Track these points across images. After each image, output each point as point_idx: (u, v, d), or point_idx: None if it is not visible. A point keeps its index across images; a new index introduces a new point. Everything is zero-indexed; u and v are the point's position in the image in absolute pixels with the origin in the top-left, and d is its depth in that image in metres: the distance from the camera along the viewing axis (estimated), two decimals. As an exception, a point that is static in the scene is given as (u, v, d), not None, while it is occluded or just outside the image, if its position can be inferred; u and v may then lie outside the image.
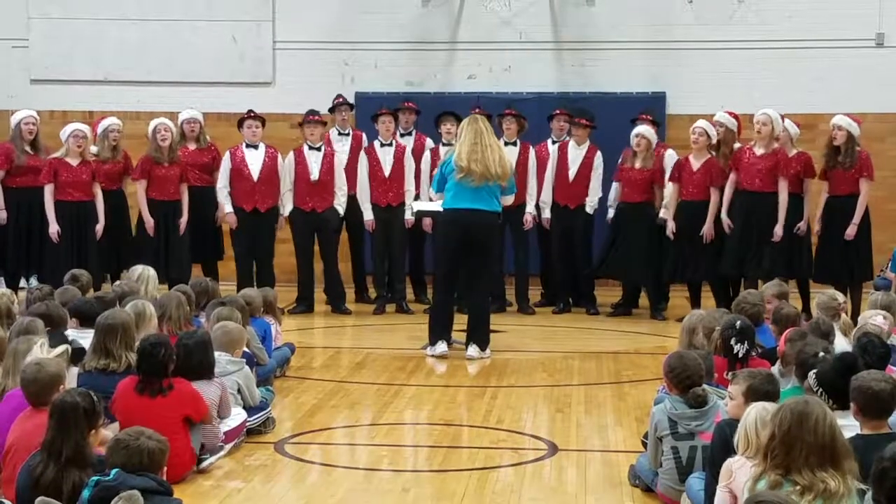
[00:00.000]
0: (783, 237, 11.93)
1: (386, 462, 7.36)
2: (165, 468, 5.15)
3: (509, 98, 14.60)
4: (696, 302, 12.35)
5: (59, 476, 5.26)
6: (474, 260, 10.51)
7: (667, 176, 12.70)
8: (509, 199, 10.89)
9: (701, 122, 12.56)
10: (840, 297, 8.82)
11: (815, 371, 5.85)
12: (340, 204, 13.05)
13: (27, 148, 12.68)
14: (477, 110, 13.21)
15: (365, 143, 13.48)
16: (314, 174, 12.91)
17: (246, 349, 8.30)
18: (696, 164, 12.43)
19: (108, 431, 6.17)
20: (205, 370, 7.17)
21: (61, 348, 6.72)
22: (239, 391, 7.68)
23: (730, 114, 12.67)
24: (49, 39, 15.53)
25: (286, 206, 12.99)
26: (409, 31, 15.31)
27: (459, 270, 10.62)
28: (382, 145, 13.13)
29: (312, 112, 13.13)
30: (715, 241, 12.25)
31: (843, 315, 8.31)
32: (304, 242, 13.11)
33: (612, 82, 15.05)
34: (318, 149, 13.00)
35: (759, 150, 12.06)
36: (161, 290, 9.83)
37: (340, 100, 13.72)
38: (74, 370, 7.05)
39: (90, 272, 10.38)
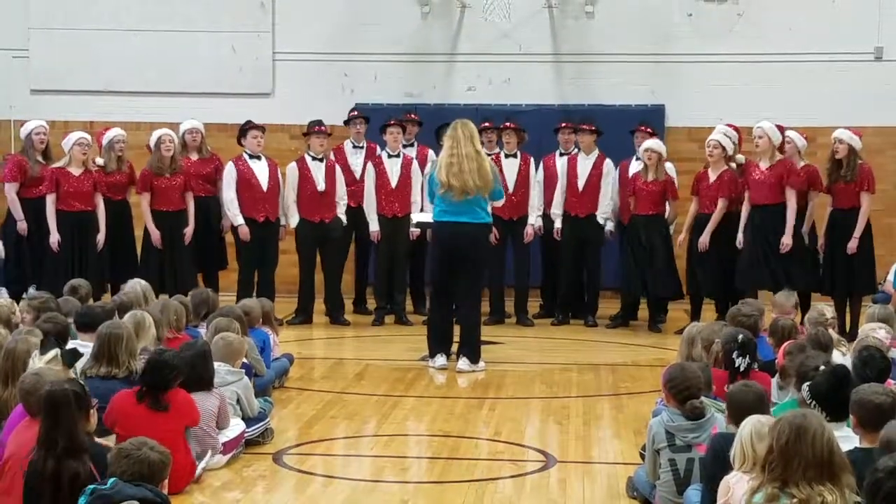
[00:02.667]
0: (790, 248, 11.92)
1: (385, 473, 7.36)
2: (167, 481, 5.15)
3: (508, 110, 14.62)
4: (696, 314, 12.35)
5: (58, 468, 5.28)
6: (463, 272, 10.51)
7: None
8: (499, 204, 10.84)
9: (715, 135, 12.46)
10: (829, 311, 8.82)
11: (808, 384, 5.86)
12: (342, 213, 13.06)
13: (39, 158, 12.68)
14: (486, 123, 13.30)
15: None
16: (321, 185, 12.91)
17: (245, 360, 8.31)
18: (712, 176, 12.43)
19: (104, 440, 6.18)
20: (204, 381, 7.18)
21: (52, 353, 6.70)
22: (238, 402, 7.69)
23: (730, 126, 12.70)
24: (49, 49, 15.55)
25: (292, 218, 12.99)
26: (408, 42, 15.33)
27: (452, 283, 10.61)
28: (390, 156, 13.15)
29: (317, 122, 13.14)
30: (727, 256, 12.21)
31: (831, 330, 8.31)
32: (309, 253, 13.09)
33: (612, 94, 15.07)
34: (321, 159, 13.01)
35: (763, 164, 12.07)
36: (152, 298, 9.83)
37: (356, 112, 13.71)
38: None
39: (90, 282, 10.38)
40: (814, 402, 5.70)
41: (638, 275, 12.65)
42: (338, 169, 13.09)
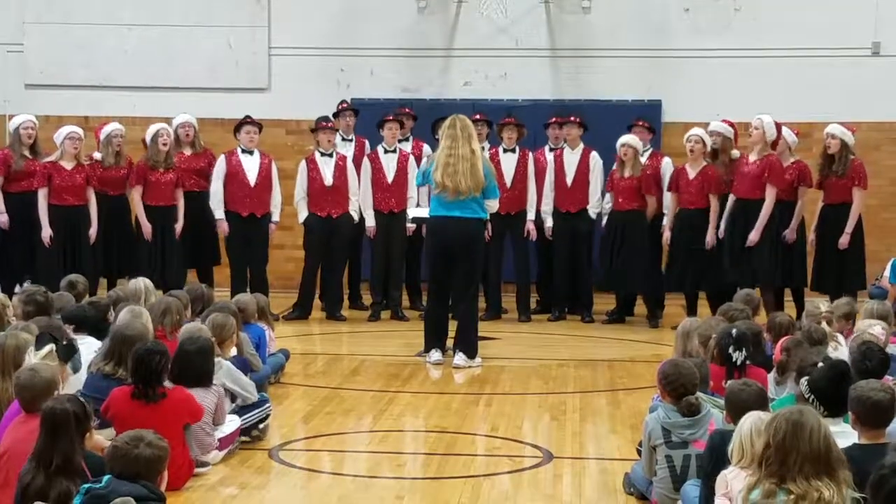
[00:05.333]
0: (777, 244, 11.92)
1: (381, 469, 7.35)
2: (165, 474, 5.12)
3: (505, 105, 14.59)
4: (692, 310, 12.34)
5: (47, 485, 5.22)
6: (458, 267, 10.50)
7: (664, 184, 12.76)
8: (493, 204, 10.78)
9: (696, 130, 12.59)
10: (824, 306, 8.81)
11: (806, 378, 5.85)
12: (355, 210, 13.05)
13: (25, 152, 12.65)
14: (477, 116, 13.30)
15: (367, 149, 13.47)
16: (328, 180, 12.90)
17: (241, 355, 8.29)
18: (692, 172, 12.45)
19: (102, 437, 6.16)
20: (204, 377, 7.15)
21: (47, 348, 6.66)
22: (230, 394, 7.64)
23: (726, 122, 12.70)
24: (45, 44, 15.52)
25: (301, 213, 12.97)
26: (405, 37, 15.32)
27: (448, 278, 10.60)
28: (386, 152, 13.13)
29: (325, 118, 13.14)
30: (714, 251, 12.24)
31: (825, 324, 8.30)
32: (317, 249, 13.05)
33: (608, 90, 15.07)
34: (331, 155, 12.99)
35: (752, 157, 12.09)
36: (156, 296, 9.80)
37: (345, 105, 13.73)
38: (77, 371, 7.04)
39: (84, 277, 10.35)
40: (812, 397, 5.69)
41: (611, 271, 12.69)
42: (349, 165, 13.06)
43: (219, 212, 12.77)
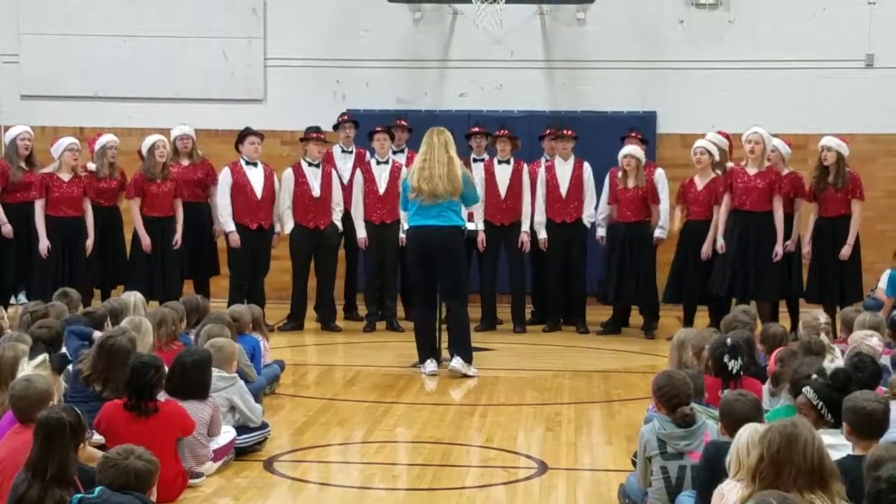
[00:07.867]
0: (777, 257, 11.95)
1: (376, 480, 7.35)
2: (155, 488, 5.12)
3: (500, 116, 14.60)
4: (688, 322, 12.33)
5: (43, 495, 5.22)
6: (442, 275, 10.51)
7: (661, 194, 12.75)
8: (476, 209, 10.79)
9: (701, 142, 12.54)
10: (823, 317, 8.83)
11: (812, 387, 5.84)
12: (338, 220, 13.07)
13: (22, 164, 12.64)
14: (476, 128, 13.31)
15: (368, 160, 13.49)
16: (316, 191, 12.91)
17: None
18: (700, 183, 12.45)
19: (95, 449, 6.16)
20: (200, 390, 7.13)
21: (40, 358, 6.66)
22: (232, 409, 7.63)
23: (721, 133, 12.71)
24: (40, 55, 15.52)
25: (287, 224, 12.97)
26: (400, 48, 15.33)
27: (431, 286, 10.61)
28: (378, 163, 13.14)
29: (314, 129, 13.13)
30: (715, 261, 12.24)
31: (823, 335, 8.32)
32: (303, 260, 13.06)
33: (603, 101, 15.07)
34: (318, 165, 13.01)
35: (751, 170, 12.07)
36: (152, 307, 9.80)
37: (345, 117, 13.74)
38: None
39: (79, 288, 10.34)
40: (821, 404, 5.68)
41: (613, 282, 12.69)
42: (334, 175, 13.08)
43: (230, 224, 12.75)
